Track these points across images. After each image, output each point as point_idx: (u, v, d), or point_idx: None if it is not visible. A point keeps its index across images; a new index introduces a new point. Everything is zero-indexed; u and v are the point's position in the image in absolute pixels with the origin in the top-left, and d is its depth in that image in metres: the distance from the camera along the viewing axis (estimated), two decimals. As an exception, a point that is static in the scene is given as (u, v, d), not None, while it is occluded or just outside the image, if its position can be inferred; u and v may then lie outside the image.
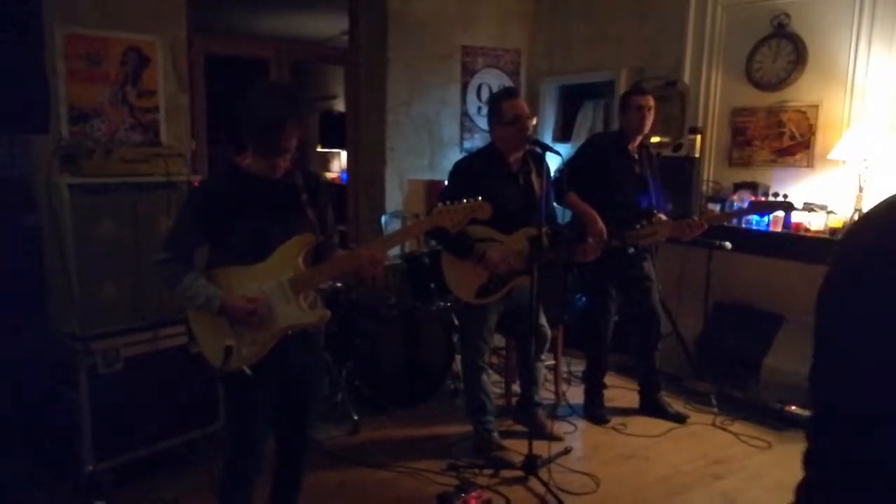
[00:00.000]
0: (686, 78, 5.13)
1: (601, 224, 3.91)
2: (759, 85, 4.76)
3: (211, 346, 2.50)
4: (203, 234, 2.49)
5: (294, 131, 2.39)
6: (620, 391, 4.72)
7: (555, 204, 4.05)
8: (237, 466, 2.62)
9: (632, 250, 4.02)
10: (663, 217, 4.05)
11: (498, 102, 3.69)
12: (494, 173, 3.65)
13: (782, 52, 4.63)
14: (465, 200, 2.63)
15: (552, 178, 4.12)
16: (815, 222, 4.36)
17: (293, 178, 2.54)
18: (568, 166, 4.11)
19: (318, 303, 2.64)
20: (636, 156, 4.18)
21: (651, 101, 4.09)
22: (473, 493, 3.30)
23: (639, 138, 4.16)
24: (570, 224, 4.16)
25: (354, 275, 2.62)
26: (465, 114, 6.03)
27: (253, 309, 2.42)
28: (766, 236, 4.55)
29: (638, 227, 3.88)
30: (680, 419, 4.30)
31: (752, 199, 4.60)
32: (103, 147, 3.50)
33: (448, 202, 2.63)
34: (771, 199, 4.48)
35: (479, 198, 2.65)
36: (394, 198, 5.72)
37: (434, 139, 5.90)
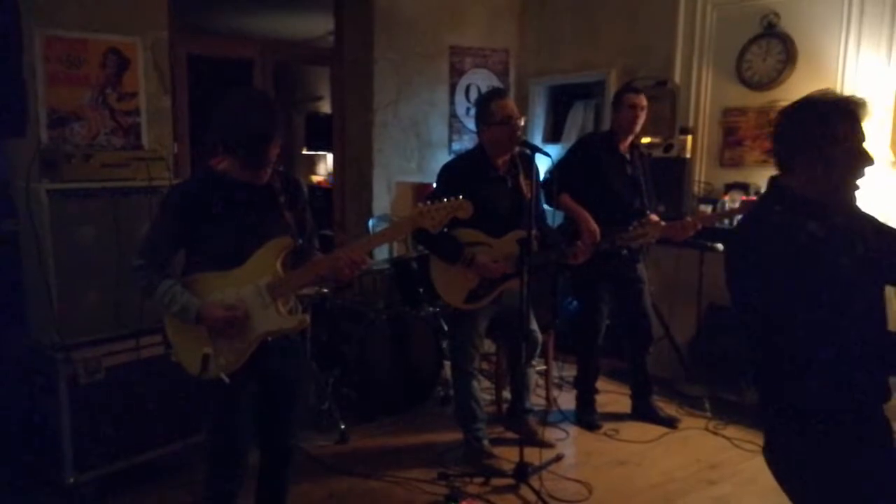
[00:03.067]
0: (676, 77, 5.09)
1: (594, 224, 3.88)
2: (750, 84, 4.73)
3: (188, 354, 2.46)
4: (179, 240, 2.45)
5: (278, 142, 2.38)
6: (612, 396, 4.69)
7: (545, 206, 4.00)
8: (219, 477, 2.57)
9: (625, 252, 3.97)
10: (655, 217, 4.01)
11: (486, 103, 3.63)
12: (482, 176, 3.60)
13: (772, 51, 4.60)
14: (445, 199, 2.58)
15: (542, 179, 4.08)
16: (806, 223, 4.32)
17: (271, 180, 2.50)
18: (558, 167, 4.06)
19: (298, 308, 2.60)
20: (627, 156, 4.14)
21: (644, 101, 4.06)
22: (464, 502, 3.27)
23: (630, 138, 4.13)
24: (562, 226, 4.11)
25: (334, 279, 2.55)
26: (453, 115, 5.97)
27: (231, 318, 2.38)
28: (757, 238, 4.51)
29: (630, 228, 3.84)
30: (672, 424, 4.27)
31: (744, 198, 4.56)
32: (83, 151, 3.44)
33: (429, 202, 2.59)
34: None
35: (461, 196, 2.60)
36: (381, 201, 5.66)
37: (422, 141, 5.84)
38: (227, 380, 2.41)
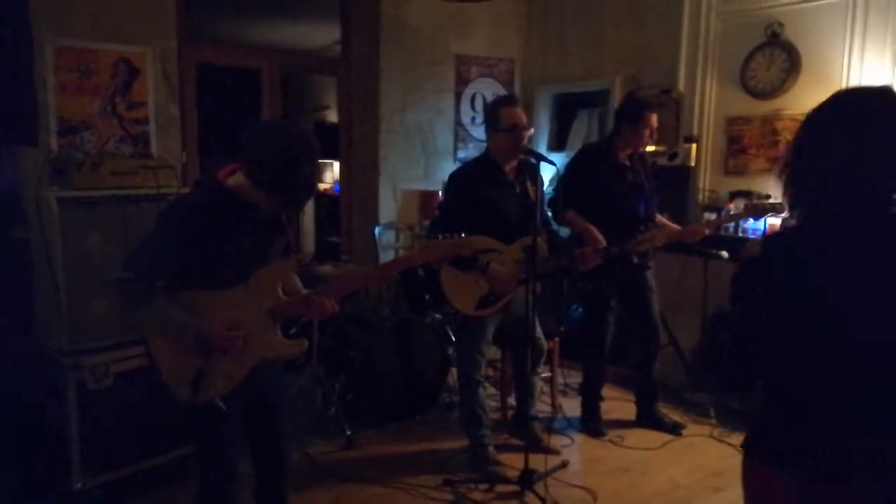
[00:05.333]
0: (681, 86, 5.11)
1: (601, 239, 3.87)
2: (754, 93, 4.74)
3: (176, 377, 2.33)
4: (180, 257, 2.27)
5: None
6: (617, 403, 4.68)
7: (553, 224, 4.02)
8: (213, 494, 2.52)
9: (636, 260, 3.98)
10: (662, 219, 4.05)
11: (496, 109, 3.65)
12: (493, 182, 3.62)
13: (776, 60, 4.61)
14: (450, 235, 2.61)
15: (548, 197, 4.10)
16: (810, 231, 4.32)
17: None
18: (561, 184, 4.09)
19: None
20: (627, 163, 4.15)
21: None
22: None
23: (629, 151, 4.14)
24: (570, 238, 4.12)
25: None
26: (458, 123, 6.00)
27: (234, 338, 2.29)
28: (762, 245, 4.51)
29: (637, 233, 3.85)
30: (677, 431, 4.26)
31: (747, 202, 4.54)
32: (92, 159, 3.46)
33: (437, 236, 2.62)
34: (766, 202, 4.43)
35: (463, 234, 2.64)
36: (387, 208, 5.68)
37: (428, 149, 5.87)
38: (223, 406, 2.31)
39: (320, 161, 2.36)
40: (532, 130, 3.70)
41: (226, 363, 2.33)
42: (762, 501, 1.76)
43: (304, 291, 2.54)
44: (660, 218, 4.10)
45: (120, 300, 2.32)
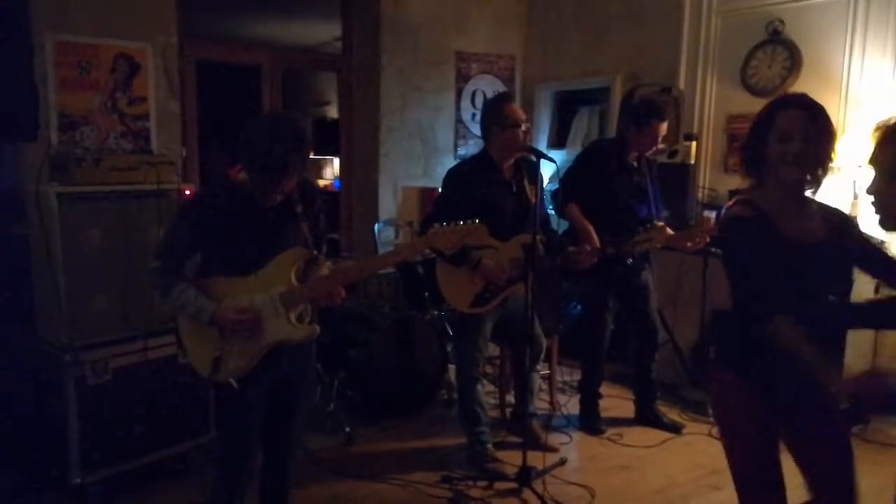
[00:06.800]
0: (681, 84, 5.11)
1: (596, 240, 3.88)
2: (755, 91, 4.74)
3: (199, 357, 2.52)
4: (196, 247, 2.51)
5: (297, 171, 2.39)
6: (616, 401, 4.68)
7: (553, 213, 4.01)
8: (229, 476, 2.62)
9: (630, 261, 3.98)
10: (660, 224, 4.03)
11: (499, 106, 3.63)
12: (489, 180, 3.62)
13: (777, 58, 4.61)
14: (461, 222, 2.60)
15: (553, 189, 4.09)
16: (810, 229, 4.33)
17: (289, 191, 2.51)
18: (568, 176, 4.08)
19: (307, 316, 2.63)
20: (635, 164, 4.15)
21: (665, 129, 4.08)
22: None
23: (635, 153, 4.14)
24: (566, 233, 4.13)
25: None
26: (459, 120, 6.00)
27: (242, 320, 2.43)
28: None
29: (636, 234, 3.84)
30: (676, 429, 4.26)
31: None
32: (93, 155, 3.46)
33: (444, 224, 2.60)
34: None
35: (477, 220, 2.62)
36: (387, 205, 5.69)
37: (428, 146, 5.87)
38: (235, 385, 2.47)
39: (311, 151, 2.45)
40: (527, 125, 3.70)
41: (241, 345, 2.48)
42: (718, 391, 2.35)
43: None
44: (658, 224, 4.06)
45: (154, 288, 2.53)
